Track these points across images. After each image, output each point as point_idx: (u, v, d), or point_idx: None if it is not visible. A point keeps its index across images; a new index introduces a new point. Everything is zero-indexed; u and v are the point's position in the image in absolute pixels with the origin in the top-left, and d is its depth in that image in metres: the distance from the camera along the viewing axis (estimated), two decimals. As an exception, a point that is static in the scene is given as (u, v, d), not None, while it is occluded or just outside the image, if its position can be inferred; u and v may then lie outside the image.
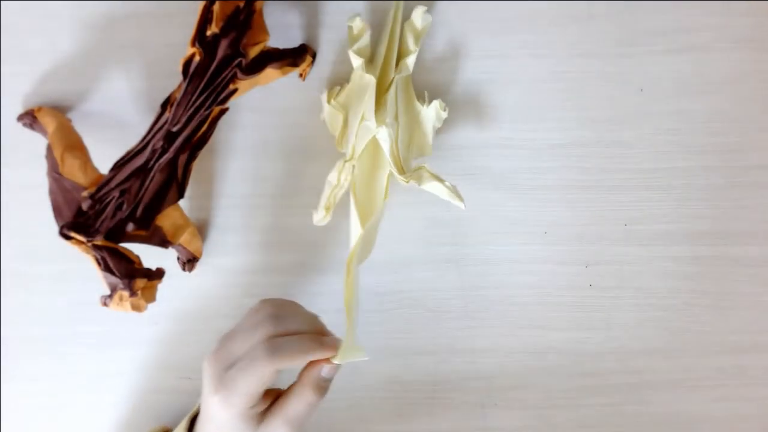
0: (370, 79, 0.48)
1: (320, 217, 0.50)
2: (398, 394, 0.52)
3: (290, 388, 0.41)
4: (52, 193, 0.47)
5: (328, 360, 0.41)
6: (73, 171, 0.47)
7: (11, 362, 0.53)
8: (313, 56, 0.53)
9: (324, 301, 0.51)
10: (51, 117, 0.50)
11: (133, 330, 0.53)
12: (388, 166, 0.48)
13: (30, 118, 0.51)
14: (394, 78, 0.49)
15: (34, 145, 0.51)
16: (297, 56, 0.51)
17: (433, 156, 0.52)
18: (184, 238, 0.49)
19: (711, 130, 0.53)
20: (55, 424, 0.53)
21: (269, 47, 0.50)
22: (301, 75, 0.53)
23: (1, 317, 0.53)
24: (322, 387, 0.41)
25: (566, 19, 0.53)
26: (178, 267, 0.52)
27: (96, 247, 0.45)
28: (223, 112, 0.49)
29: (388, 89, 0.49)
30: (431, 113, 0.50)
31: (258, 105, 0.53)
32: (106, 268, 0.45)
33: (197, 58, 0.47)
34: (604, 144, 0.53)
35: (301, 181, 0.53)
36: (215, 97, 0.47)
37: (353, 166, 0.48)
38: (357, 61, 0.49)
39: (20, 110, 0.52)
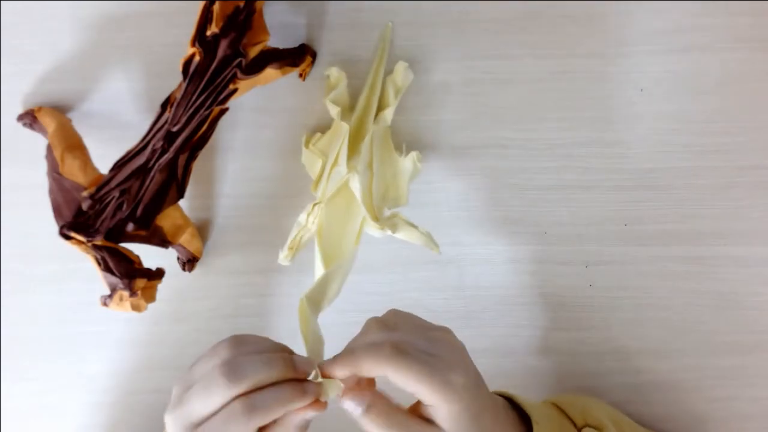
0: (344, 126, 0.49)
1: (283, 256, 0.49)
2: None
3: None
4: (52, 193, 0.47)
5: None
6: (73, 171, 0.47)
7: (11, 362, 0.53)
8: (313, 56, 0.53)
9: (324, 301, 0.51)
10: (51, 117, 0.50)
11: (133, 330, 0.53)
12: (362, 213, 0.48)
13: (30, 118, 0.51)
14: (371, 128, 0.50)
15: (34, 145, 0.51)
16: (297, 56, 0.51)
17: (433, 157, 0.52)
18: (184, 238, 0.49)
19: (711, 130, 0.53)
20: (55, 424, 0.53)
21: (269, 47, 0.50)
22: (301, 75, 0.53)
23: (1, 317, 0.53)
24: (304, 427, 0.38)
25: (566, 19, 0.53)
26: (178, 267, 0.52)
27: (96, 247, 0.45)
28: (223, 112, 0.49)
29: (363, 137, 0.50)
30: (408, 165, 0.50)
31: (258, 105, 0.53)
32: (106, 268, 0.45)
33: (197, 58, 0.47)
34: (604, 144, 0.53)
35: (301, 181, 0.53)
36: (215, 97, 0.47)
37: (321, 209, 0.48)
38: (334, 110, 0.50)
39: (20, 110, 0.52)
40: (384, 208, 0.50)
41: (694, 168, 0.53)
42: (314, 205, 0.49)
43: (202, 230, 0.53)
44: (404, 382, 0.36)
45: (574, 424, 0.44)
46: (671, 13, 0.53)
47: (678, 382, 0.52)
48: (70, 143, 0.49)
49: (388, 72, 0.52)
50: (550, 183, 0.52)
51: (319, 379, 0.37)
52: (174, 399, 0.37)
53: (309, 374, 0.37)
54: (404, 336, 0.37)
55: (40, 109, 0.51)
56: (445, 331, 0.39)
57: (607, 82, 0.53)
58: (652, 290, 0.52)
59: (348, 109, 0.51)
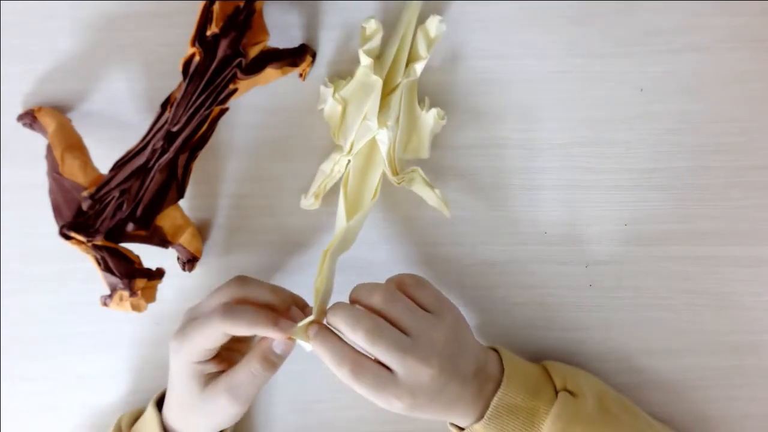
0: (377, 81, 0.49)
1: (309, 203, 0.51)
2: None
3: (239, 362, 0.44)
4: (52, 193, 0.47)
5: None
6: (73, 171, 0.47)
7: (11, 362, 0.53)
8: (313, 56, 0.53)
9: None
10: (51, 117, 0.50)
11: (132, 330, 0.53)
12: (381, 166, 0.49)
13: (30, 118, 0.51)
14: (401, 82, 0.50)
15: (34, 145, 0.51)
16: (297, 56, 0.51)
17: (433, 156, 0.52)
18: (184, 238, 0.49)
19: (711, 130, 0.53)
20: (55, 424, 0.53)
21: (269, 47, 0.50)
22: (301, 75, 0.53)
23: (1, 317, 0.53)
24: (271, 361, 0.43)
25: (566, 19, 0.53)
26: (178, 267, 0.52)
27: (96, 247, 0.45)
28: (223, 112, 0.49)
29: (392, 92, 0.50)
30: (430, 119, 0.50)
31: (258, 105, 0.53)
32: (106, 268, 0.45)
33: (197, 58, 0.47)
34: (604, 144, 0.53)
35: (301, 181, 0.53)
36: (215, 97, 0.47)
37: (348, 161, 0.49)
38: (366, 61, 0.49)
39: (20, 110, 0.52)
40: (405, 161, 0.51)
41: (694, 168, 0.53)
42: (342, 155, 0.49)
43: (202, 230, 0.53)
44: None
45: (555, 387, 0.47)
46: (671, 13, 0.53)
47: (678, 382, 0.52)
48: (70, 143, 0.49)
49: (420, 23, 0.51)
50: (550, 183, 0.52)
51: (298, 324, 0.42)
52: (180, 325, 0.44)
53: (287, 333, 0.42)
54: (376, 352, 0.41)
55: (40, 109, 0.51)
56: (422, 358, 0.42)
57: (607, 82, 0.53)
58: (652, 290, 0.52)
59: (377, 60, 0.51)
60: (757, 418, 0.52)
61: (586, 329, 0.52)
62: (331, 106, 0.51)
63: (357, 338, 0.41)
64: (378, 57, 0.51)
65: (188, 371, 0.43)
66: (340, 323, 0.42)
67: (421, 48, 0.50)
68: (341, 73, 0.52)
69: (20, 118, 0.51)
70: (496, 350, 0.47)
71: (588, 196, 0.53)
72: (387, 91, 0.50)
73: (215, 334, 0.42)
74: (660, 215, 0.52)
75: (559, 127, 0.53)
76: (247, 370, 0.43)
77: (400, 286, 0.45)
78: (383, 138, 0.48)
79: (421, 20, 0.51)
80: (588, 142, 0.53)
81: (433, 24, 0.50)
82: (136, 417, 0.49)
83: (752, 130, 0.53)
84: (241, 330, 0.41)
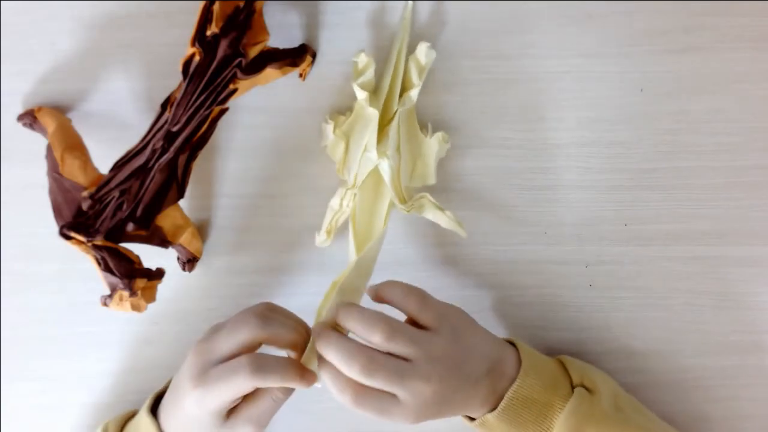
0: (374, 113, 0.49)
1: (322, 240, 0.51)
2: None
3: (258, 390, 0.42)
4: (52, 193, 0.47)
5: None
6: (73, 171, 0.47)
7: (11, 362, 0.53)
8: (313, 56, 0.53)
9: (324, 301, 0.51)
10: (51, 117, 0.50)
11: (133, 330, 0.53)
12: (389, 195, 0.49)
13: (30, 118, 0.51)
14: (397, 110, 0.50)
15: (34, 145, 0.51)
16: (297, 56, 0.51)
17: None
18: (184, 238, 0.49)
19: (711, 130, 0.53)
20: (55, 424, 0.53)
21: (269, 47, 0.50)
22: (301, 75, 0.53)
23: (1, 317, 0.53)
24: (290, 389, 0.43)
25: (566, 19, 0.53)
26: (178, 267, 0.52)
27: (96, 247, 0.45)
28: (223, 112, 0.49)
29: (390, 121, 0.50)
30: (434, 144, 0.51)
31: (258, 105, 0.53)
32: (106, 268, 0.45)
33: (197, 58, 0.47)
34: (604, 144, 0.53)
35: (301, 181, 0.53)
36: (215, 97, 0.47)
37: (354, 194, 0.49)
38: (361, 95, 0.50)
39: (20, 110, 0.52)
40: (412, 188, 0.51)
41: (694, 168, 0.53)
42: (347, 189, 0.50)
43: (202, 230, 0.53)
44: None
45: (572, 383, 0.46)
46: (671, 13, 0.53)
47: (678, 382, 0.52)
48: (70, 143, 0.49)
49: (410, 52, 0.51)
50: (550, 183, 0.52)
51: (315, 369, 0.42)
52: (203, 335, 0.43)
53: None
54: (375, 383, 0.41)
55: (40, 109, 0.51)
56: (423, 377, 0.41)
57: (607, 82, 0.53)
58: (652, 290, 0.52)
59: (372, 93, 0.51)
60: (757, 418, 0.52)
61: (586, 329, 0.52)
62: (333, 142, 0.51)
63: (353, 374, 0.40)
64: (373, 90, 0.51)
65: (211, 416, 0.42)
66: (333, 359, 0.41)
67: (414, 76, 0.51)
68: (341, 108, 0.53)
69: (20, 118, 0.51)
70: (513, 343, 0.47)
71: (588, 196, 0.53)
72: (385, 122, 0.50)
73: (244, 388, 0.41)
74: (660, 215, 0.52)
75: (559, 127, 0.53)
76: (268, 398, 0.42)
77: (396, 303, 0.44)
78: (384, 168, 0.49)
79: (412, 48, 0.51)
80: (588, 142, 0.53)
81: (423, 51, 0.51)
82: (124, 421, 0.48)
83: (752, 130, 0.53)
84: (272, 383, 0.41)
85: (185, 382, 0.42)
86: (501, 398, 0.44)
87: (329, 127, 0.51)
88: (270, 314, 0.43)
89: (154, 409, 0.46)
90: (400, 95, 0.51)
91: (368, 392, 0.41)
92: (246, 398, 0.43)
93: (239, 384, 0.40)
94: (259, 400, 0.42)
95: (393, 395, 0.41)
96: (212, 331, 0.43)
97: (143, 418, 0.46)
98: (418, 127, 0.52)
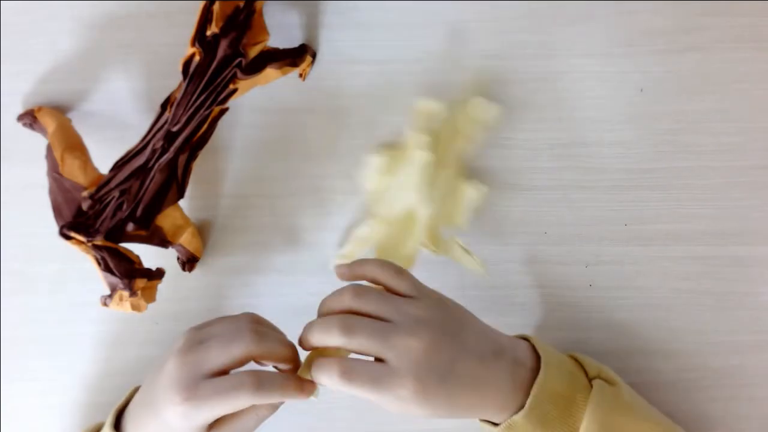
0: (425, 157, 0.49)
1: (337, 264, 0.50)
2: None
3: None
4: (52, 193, 0.47)
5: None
6: (73, 171, 0.47)
7: (11, 362, 0.53)
8: (313, 56, 0.53)
9: (324, 301, 0.51)
10: (51, 117, 0.50)
11: (133, 330, 0.53)
12: (418, 237, 0.49)
13: (30, 118, 0.51)
14: (447, 160, 0.50)
15: (34, 145, 0.51)
16: (297, 56, 0.51)
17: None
18: (184, 238, 0.49)
19: (711, 130, 0.53)
20: (55, 424, 0.53)
21: (269, 47, 0.50)
22: (301, 75, 0.53)
23: (1, 317, 0.53)
24: (277, 407, 0.42)
25: (566, 19, 0.53)
26: (178, 267, 0.52)
27: (96, 247, 0.45)
28: (223, 112, 0.49)
29: (438, 169, 0.50)
30: (472, 193, 0.51)
31: (258, 105, 0.53)
32: (106, 268, 0.45)
33: (197, 58, 0.47)
34: (604, 144, 0.53)
35: (301, 181, 0.53)
36: (215, 97, 0.47)
37: (384, 229, 0.50)
38: (418, 138, 0.49)
39: (20, 110, 0.52)
40: (440, 227, 0.50)
41: (694, 168, 0.53)
42: (377, 221, 0.50)
43: (202, 230, 0.53)
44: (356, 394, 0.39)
45: (587, 376, 0.45)
46: (671, 13, 0.53)
47: (678, 382, 0.52)
48: (70, 143, 0.49)
49: (468, 104, 0.51)
50: (550, 183, 0.52)
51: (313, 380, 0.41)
52: (184, 345, 0.41)
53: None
54: (358, 345, 0.39)
55: (40, 109, 0.51)
56: (408, 332, 0.40)
57: (607, 82, 0.53)
58: (652, 290, 0.52)
59: (428, 138, 0.50)
60: (757, 418, 0.52)
61: (586, 329, 0.52)
62: (374, 174, 0.51)
63: (333, 339, 0.39)
64: (429, 134, 0.51)
65: (193, 430, 0.40)
66: (314, 335, 0.40)
67: (471, 130, 0.51)
68: (388, 143, 0.52)
69: (20, 118, 0.51)
70: (525, 338, 0.45)
71: (588, 196, 0.53)
72: (433, 168, 0.50)
73: (244, 405, 0.39)
74: (660, 215, 0.52)
75: (559, 127, 0.53)
76: (254, 415, 0.42)
77: (372, 279, 0.43)
78: (423, 213, 0.49)
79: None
80: (588, 142, 0.53)
81: (484, 109, 0.51)
82: None
83: (752, 130, 0.53)
84: (272, 399, 0.40)
85: (169, 395, 0.39)
86: (525, 394, 0.41)
87: (376, 160, 0.51)
88: (261, 329, 0.42)
89: (118, 424, 0.44)
90: (453, 145, 0.51)
91: (356, 363, 0.39)
92: (230, 416, 0.41)
93: (239, 401, 0.39)
94: (244, 416, 0.41)
95: (383, 363, 0.39)
96: (194, 341, 0.41)
97: None
98: (459, 172, 0.52)
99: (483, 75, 0.51)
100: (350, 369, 0.39)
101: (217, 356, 0.40)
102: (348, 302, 0.40)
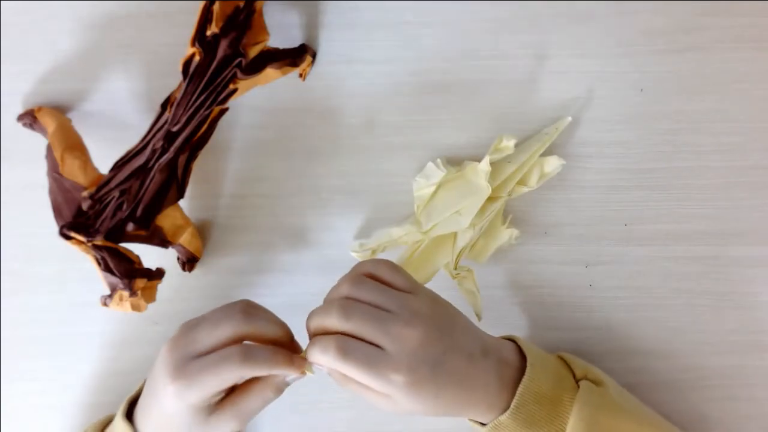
0: (487, 188, 0.49)
1: (361, 253, 0.51)
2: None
3: (248, 384, 0.42)
4: (52, 193, 0.47)
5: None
6: (73, 171, 0.47)
7: (11, 362, 0.53)
8: (313, 56, 0.53)
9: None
10: (51, 117, 0.50)
11: (133, 330, 0.53)
12: (446, 257, 0.50)
13: (30, 118, 0.51)
14: (503, 197, 0.51)
15: (34, 145, 0.51)
16: (297, 56, 0.51)
17: (433, 156, 0.52)
18: (184, 238, 0.49)
19: (711, 130, 0.53)
20: (55, 424, 0.53)
21: (269, 47, 0.50)
22: (301, 75, 0.53)
23: (1, 317, 0.53)
24: (282, 389, 0.42)
25: (566, 19, 0.53)
26: (178, 267, 0.52)
27: (96, 247, 0.45)
28: (223, 112, 0.49)
29: (491, 201, 0.50)
30: (504, 236, 0.51)
31: (258, 105, 0.53)
32: (106, 268, 0.45)
33: (197, 58, 0.47)
34: (604, 144, 0.53)
35: (301, 181, 0.53)
36: (215, 97, 0.47)
37: (421, 240, 0.51)
38: (486, 167, 0.49)
39: (20, 110, 0.52)
40: (462, 257, 0.51)
41: (694, 168, 0.53)
42: (419, 231, 0.50)
43: (202, 230, 0.53)
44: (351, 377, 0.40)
45: (574, 376, 0.45)
46: (671, 13, 0.53)
47: (678, 382, 0.52)
48: (70, 143, 0.49)
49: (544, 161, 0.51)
50: (551, 183, 0.52)
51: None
52: (177, 332, 0.42)
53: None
54: (355, 327, 0.40)
55: (40, 109, 0.51)
56: (405, 322, 0.40)
57: (606, 82, 0.53)
58: (652, 290, 0.52)
59: (493, 169, 0.51)
60: (757, 418, 0.52)
61: (586, 329, 0.52)
62: (428, 184, 0.51)
63: (332, 321, 0.40)
64: (494, 165, 0.51)
65: (192, 411, 0.40)
66: (314, 318, 0.41)
67: (533, 177, 0.51)
68: (449, 157, 0.52)
69: (20, 118, 0.51)
70: (511, 340, 0.46)
71: (588, 196, 0.53)
72: (489, 200, 0.50)
73: (233, 377, 0.39)
74: (660, 215, 0.52)
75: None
76: (260, 397, 0.41)
77: (369, 274, 0.43)
78: (466, 238, 0.49)
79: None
80: (588, 142, 0.53)
81: (553, 163, 0.51)
82: (103, 426, 0.48)
83: (752, 130, 0.53)
84: (261, 372, 0.40)
85: (161, 379, 0.40)
86: (511, 394, 0.42)
87: (438, 172, 0.50)
88: (252, 310, 0.42)
89: (130, 414, 0.45)
90: (510, 184, 0.51)
91: (353, 342, 0.40)
92: (232, 394, 0.42)
93: (228, 373, 0.39)
94: (249, 397, 0.41)
95: (379, 348, 0.40)
96: (187, 329, 0.42)
97: (118, 423, 0.44)
98: (501, 212, 0.52)
99: (563, 122, 0.52)
100: (347, 346, 0.39)
101: (206, 336, 0.40)
102: (347, 291, 0.41)
